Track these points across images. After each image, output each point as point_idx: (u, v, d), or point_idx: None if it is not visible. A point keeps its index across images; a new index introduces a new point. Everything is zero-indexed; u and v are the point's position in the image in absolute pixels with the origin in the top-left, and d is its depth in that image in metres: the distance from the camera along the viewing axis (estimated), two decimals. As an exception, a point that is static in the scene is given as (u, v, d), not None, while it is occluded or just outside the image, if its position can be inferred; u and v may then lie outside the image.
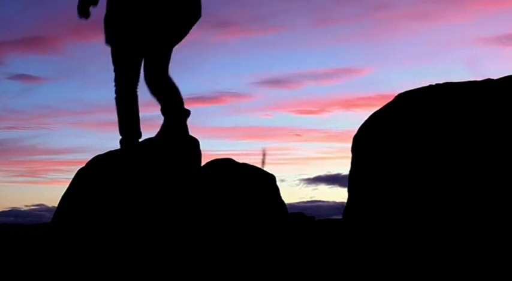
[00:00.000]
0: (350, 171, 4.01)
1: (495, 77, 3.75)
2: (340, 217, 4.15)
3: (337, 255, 3.73)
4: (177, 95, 4.54)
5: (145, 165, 4.32)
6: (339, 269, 3.60)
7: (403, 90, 3.95)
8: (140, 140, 4.57)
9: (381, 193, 3.65)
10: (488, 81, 3.73)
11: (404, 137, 3.69)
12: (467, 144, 3.47)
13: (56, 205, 4.39)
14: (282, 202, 4.57)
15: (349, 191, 3.96)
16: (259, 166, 4.65)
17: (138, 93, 4.59)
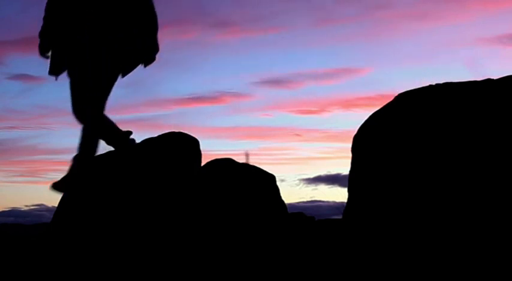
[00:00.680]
0: (350, 171, 4.01)
1: (495, 77, 3.75)
2: (340, 217, 4.16)
3: (337, 255, 3.72)
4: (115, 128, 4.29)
5: (145, 165, 4.32)
6: (339, 269, 3.60)
7: (403, 90, 3.95)
8: (139, 140, 4.56)
9: (380, 193, 3.65)
10: (488, 81, 3.73)
11: (404, 137, 3.69)
12: (467, 144, 3.47)
13: (56, 205, 4.39)
14: (282, 202, 4.57)
15: (349, 191, 3.96)
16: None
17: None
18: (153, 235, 3.98)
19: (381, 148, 3.77)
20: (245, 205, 4.25)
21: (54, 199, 4.30)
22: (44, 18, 4.31)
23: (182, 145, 4.47)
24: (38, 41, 4.35)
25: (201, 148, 4.56)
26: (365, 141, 3.92)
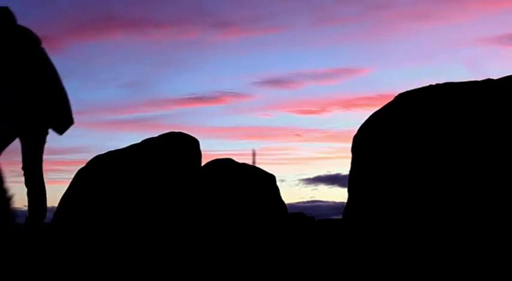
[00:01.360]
0: (350, 171, 4.00)
1: (495, 77, 3.75)
2: (340, 217, 4.15)
3: (337, 255, 3.72)
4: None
5: (145, 165, 4.32)
6: (339, 269, 3.60)
7: (403, 90, 3.95)
8: (139, 140, 4.56)
9: (380, 193, 3.65)
10: (488, 81, 3.73)
11: (404, 137, 3.68)
12: (468, 144, 3.47)
13: (56, 205, 4.39)
14: (282, 202, 4.57)
15: (349, 191, 3.96)
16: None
17: None
18: (154, 234, 3.98)
19: (381, 148, 3.76)
20: (245, 205, 4.26)
21: (54, 199, 4.31)
22: None
23: (182, 145, 4.48)
24: None
25: (201, 147, 4.57)
26: (365, 141, 3.92)
